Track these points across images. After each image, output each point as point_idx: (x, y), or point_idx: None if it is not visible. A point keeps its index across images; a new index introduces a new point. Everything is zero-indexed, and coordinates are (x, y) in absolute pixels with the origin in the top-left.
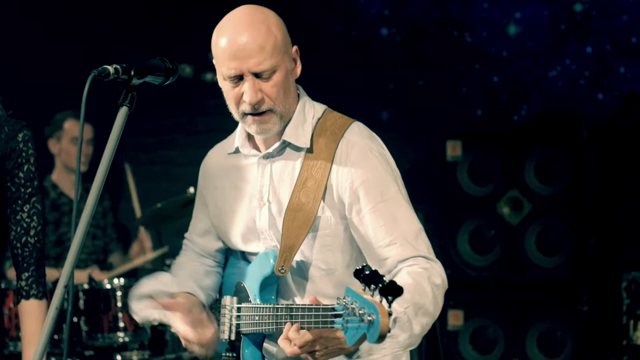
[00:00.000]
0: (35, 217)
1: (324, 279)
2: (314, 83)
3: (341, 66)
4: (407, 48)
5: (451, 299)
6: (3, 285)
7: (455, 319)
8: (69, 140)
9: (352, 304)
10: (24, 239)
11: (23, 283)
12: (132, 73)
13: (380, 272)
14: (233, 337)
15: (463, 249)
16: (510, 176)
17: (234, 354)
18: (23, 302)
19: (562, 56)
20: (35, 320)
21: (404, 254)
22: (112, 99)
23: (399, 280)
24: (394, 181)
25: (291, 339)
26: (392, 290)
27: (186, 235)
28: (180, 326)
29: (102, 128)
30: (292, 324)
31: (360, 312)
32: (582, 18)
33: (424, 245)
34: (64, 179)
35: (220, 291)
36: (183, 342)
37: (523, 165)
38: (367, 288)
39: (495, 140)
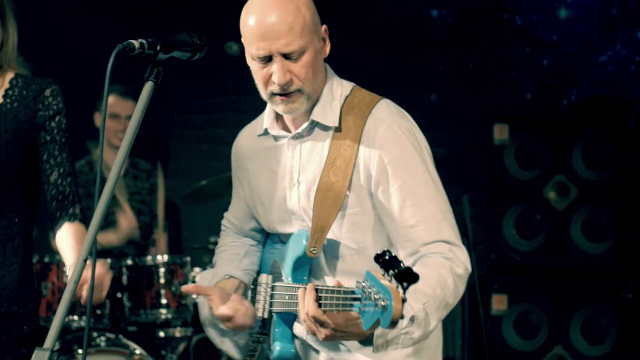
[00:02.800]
0: (72, 167)
1: (354, 258)
2: (363, 63)
3: (391, 47)
4: (457, 30)
5: (495, 284)
6: (47, 259)
7: (499, 303)
8: (109, 115)
9: (369, 288)
10: (69, 178)
11: (77, 210)
12: (158, 48)
13: (403, 252)
14: (266, 316)
15: (508, 234)
16: (557, 161)
17: (266, 332)
18: (76, 223)
19: (613, 41)
20: (83, 238)
21: (427, 237)
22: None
23: (420, 272)
24: (422, 160)
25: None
26: (407, 277)
27: (225, 214)
28: (219, 308)
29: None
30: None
31: (375, 296)
32: (633, 2)
33: (450, 228)
34: (108, 154)
35: (259, 270)
36: (223, 324)
37: (570, 150)
38: (385, 273)
39: (543, 124)
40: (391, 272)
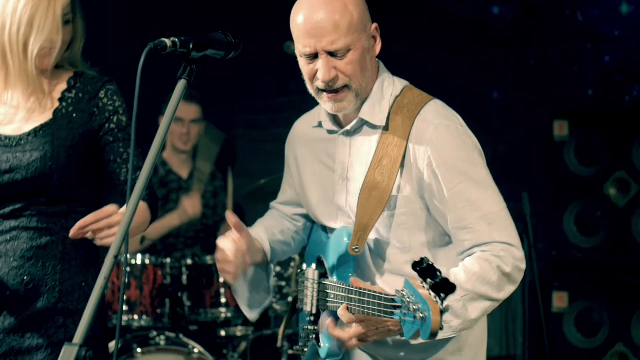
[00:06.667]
0: (140, 159)
1: (399, 258)
2: (425, 61)
3: (453, 45)
4: (519, 26)
5: (556, 281)
6: None
7: (560, 301)
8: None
9: (408, 298)
10: (138, 172)
11: (144, 193)
12: (191, 46)
13: (456, 250)
14: (314, 311)
15: (569, 231)
16: (617, 157)
17: (316, 327)
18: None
19: None
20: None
21: (479, 238)
22: (219, 80)
23: (466, 266)
24: (471, 160)
25: (340, 316)
26: (444, 288)
27: (271, 203)
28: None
29: (209, 107)
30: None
31: (414, 307)
32: None
33: (503, 229)
34: (173, 157)
35: (304, 260)
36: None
37: (631, 147)
38: (423, 282)
39: (603, 120)
40: (429, 281)
